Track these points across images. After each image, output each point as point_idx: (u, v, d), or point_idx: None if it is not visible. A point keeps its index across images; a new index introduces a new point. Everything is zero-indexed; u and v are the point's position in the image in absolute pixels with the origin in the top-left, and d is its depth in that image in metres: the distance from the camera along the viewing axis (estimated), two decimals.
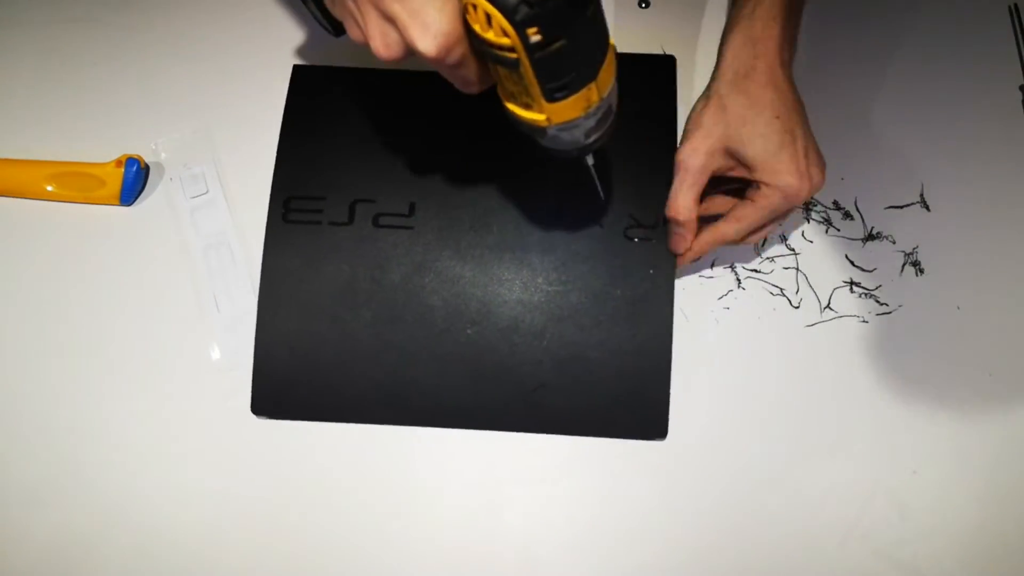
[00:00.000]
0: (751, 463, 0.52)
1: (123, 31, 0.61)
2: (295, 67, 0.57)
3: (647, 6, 0.60)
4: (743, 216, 0.49)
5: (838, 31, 0.59)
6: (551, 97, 0.35)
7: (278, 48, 0.60)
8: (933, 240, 0.55)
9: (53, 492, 0.52)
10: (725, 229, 0.50)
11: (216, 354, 0.54)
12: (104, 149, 0.56)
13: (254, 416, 0.52)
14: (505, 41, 0.32)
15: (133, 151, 0.56)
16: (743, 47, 0.48)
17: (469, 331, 0.52)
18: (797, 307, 0.54)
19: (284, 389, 0.52)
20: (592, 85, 0.36)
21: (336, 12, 0.42)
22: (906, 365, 0.53)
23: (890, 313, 0.54)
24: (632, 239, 0.53)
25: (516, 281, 0.53)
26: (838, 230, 0.55)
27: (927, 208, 0.56)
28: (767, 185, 0.47)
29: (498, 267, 0.53)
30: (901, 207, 0.56)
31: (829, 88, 0.58)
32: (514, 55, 0.33)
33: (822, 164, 0.49)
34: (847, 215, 0.56)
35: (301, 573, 0.51)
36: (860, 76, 0.58)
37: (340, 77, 0.57)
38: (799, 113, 0.49)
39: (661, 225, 0.52)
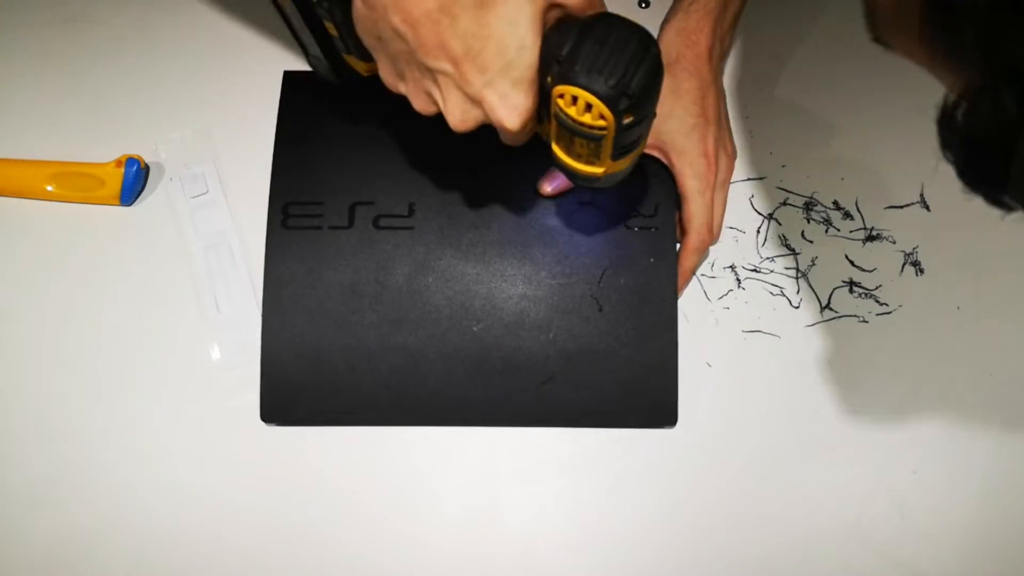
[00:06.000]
0: (751, 464, 0.52)
1: (123, 31, 0.61)
2: (286, 73, 0.57)
3: (647, 6, 0.60)
4: (687, 212, 0.52)
5: (838, 30, 0.59)
6: (617, 157, 0.38)
7: (279, 48, 0.60)
8: (933, 240, 0.55)
9: (53, 493, 0.52)
10: (689, 233, 0.52)
11: (216, 354, 0.54)
12: (104, 149, 0.56)
13: (255, 417, 0.52)
14: (601, 123, 0.35)
15: (133, 151, 0.56)
16: (676, 36, 0.51)
17: (475, 328, 0.52)
18: (797, 307, 0.54)
19: (293, 396, 0.52)
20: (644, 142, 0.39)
21: (400, 88, 0.41)
22: (906, 365, 0.53)
23: (890, 313, 0.54)
24: (632, 228, 0.53)
25: (519, 276, 0.53)
26: (838, 230, 0.55)
27: (927, 208, 0.56)
28: (676, 167, 0.51)
29: (500, 263, 0.53)
30: (901, 207, 0.56)
31: (830, 87, 0.58)
32: (603, 133, 0.35)
33: (731, 154, 0.52)
34: (847, 215, 0.56)
35: (306, 572, 0.51)
36: (861, 75, 0.58)
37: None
38: (717, 104, 0.52)
39: (660, 214, 0.53)
